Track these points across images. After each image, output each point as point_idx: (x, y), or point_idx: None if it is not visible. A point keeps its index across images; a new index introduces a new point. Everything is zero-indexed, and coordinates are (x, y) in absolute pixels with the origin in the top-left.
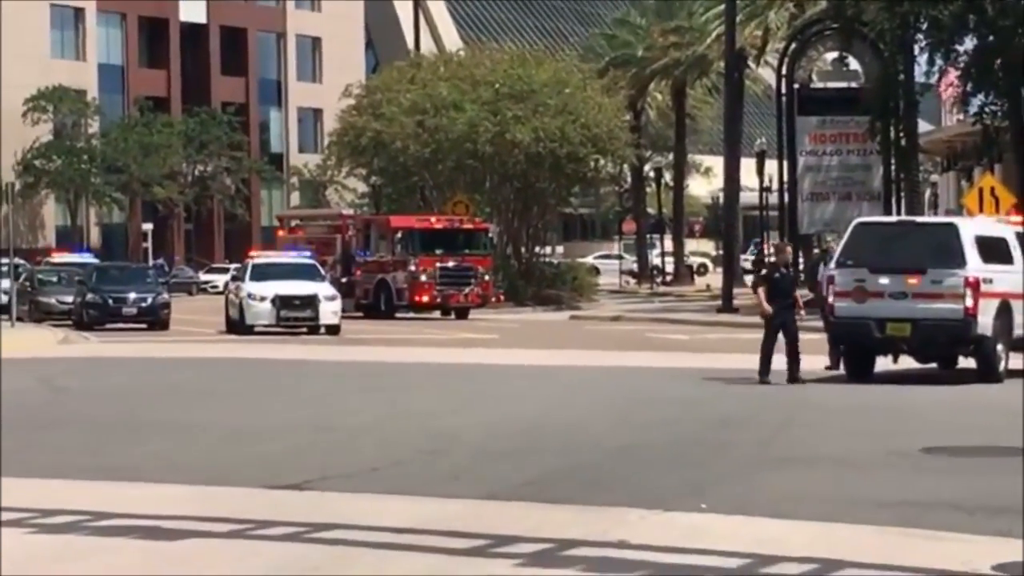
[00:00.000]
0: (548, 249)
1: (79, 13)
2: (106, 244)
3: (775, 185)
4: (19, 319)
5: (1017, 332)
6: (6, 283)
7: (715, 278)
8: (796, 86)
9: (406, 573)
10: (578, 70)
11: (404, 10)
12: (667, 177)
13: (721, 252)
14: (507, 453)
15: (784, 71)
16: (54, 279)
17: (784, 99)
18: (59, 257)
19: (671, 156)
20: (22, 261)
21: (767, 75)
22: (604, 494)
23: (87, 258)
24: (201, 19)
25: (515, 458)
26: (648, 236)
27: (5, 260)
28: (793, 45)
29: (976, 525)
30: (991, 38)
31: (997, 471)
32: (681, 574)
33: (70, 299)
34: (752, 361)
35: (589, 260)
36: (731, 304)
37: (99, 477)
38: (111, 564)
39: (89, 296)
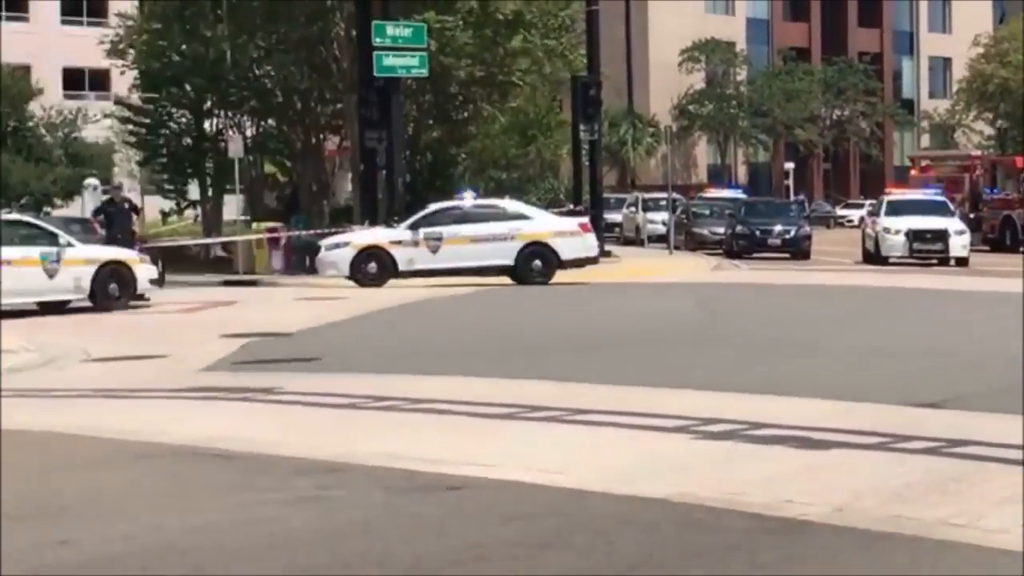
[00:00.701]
0: None
1: None
2: (751, 181)
3: None
4: (676, 248)
5: None
6: (664, 215)
7: None
8: None
9: None
10: None
11: None
12: None
13: None
14: None
15: None
16: (706, 212)
17: None
18: (711, 193)
19: None
20: (678, 196)
21: None
22: None
23: (736, 194)
24: None
25: None
26: None
27: (663, 195)
28: None
29: None
30: None
31: None
32: None
33: (721, 230)
34: None
35: None
36: None
37: (751, 391)
38: (772, 468)
39: (738, 228)
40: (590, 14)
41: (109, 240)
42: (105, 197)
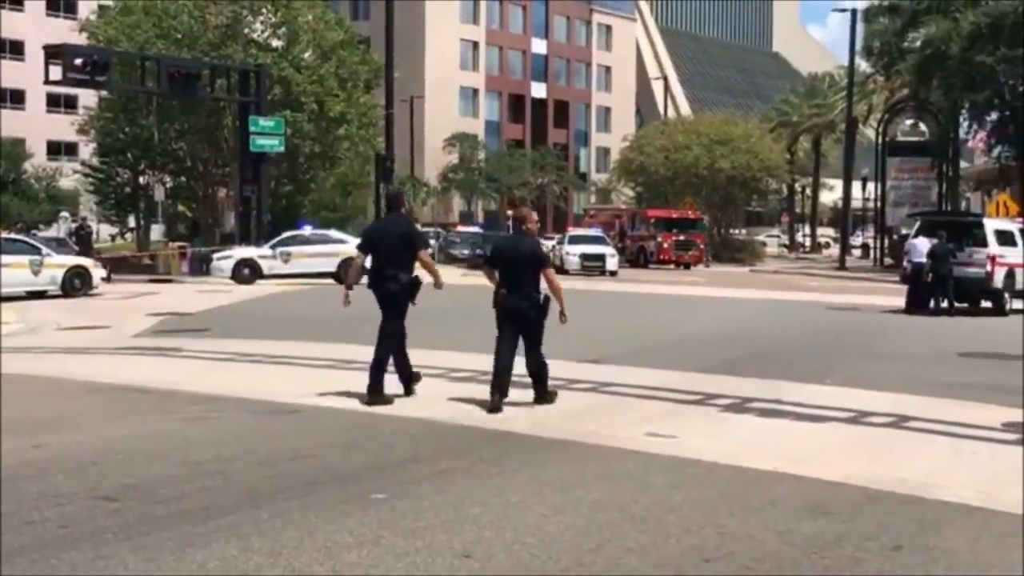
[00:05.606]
0: (737, 231)
1: (475, 92)
2: (487, 221)
3: (872, 196)
4: (439, 263)
5: (1018, 287)
6: (432, 242)
7: (835, 250)
8: (887, 139)
9: (661, 411)
10: (758, 128)
11: (659, 92)
12: (807, 191)
13: (838, 235)
14: (711, 345)
15: (881, 130)
16: (458, 240)
17: (880, 147)
18: (461, 228)
19: (810, 179)
20: (440, 229)
21: (870, 132)
22: (769, 371)
23: (476, 229)
24: (543, 95)
25: (716, 348)
26: (795, 224)
27: (431, 229)
28: (887, 115)
29: (989, 399)
30: (1007, 113)
31: (1003, 368)
32: (815, 414)
33: (467, 251)
34: (854, 300)
35: (761, 237)
36: (844, 266)
37: (479, 351)
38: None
39: (477, 251)
40: (388, 116)
41: (79, 253)
42: (75, 225)
